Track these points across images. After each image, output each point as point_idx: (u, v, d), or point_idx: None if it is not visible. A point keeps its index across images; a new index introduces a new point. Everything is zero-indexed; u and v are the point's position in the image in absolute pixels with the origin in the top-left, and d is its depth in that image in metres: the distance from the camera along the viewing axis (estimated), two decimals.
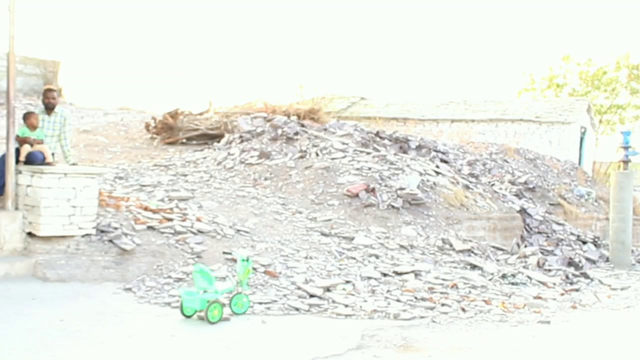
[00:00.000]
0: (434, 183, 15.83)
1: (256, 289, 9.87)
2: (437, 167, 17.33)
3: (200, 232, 11.55)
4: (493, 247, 14.63)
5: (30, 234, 10.51)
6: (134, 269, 10.36)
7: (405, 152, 18.39)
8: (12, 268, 10.07)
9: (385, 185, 14.91)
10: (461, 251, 13.19)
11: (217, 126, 20.93)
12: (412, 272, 11.22)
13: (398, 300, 9.92)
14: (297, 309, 9.26)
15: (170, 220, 11.72)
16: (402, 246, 12.66)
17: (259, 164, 16.38)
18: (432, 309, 9.65)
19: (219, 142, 19.40)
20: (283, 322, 8.74)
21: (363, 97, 33.68)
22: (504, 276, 12.06)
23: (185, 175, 15.79)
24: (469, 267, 12.38)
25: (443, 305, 9.85)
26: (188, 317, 8.58)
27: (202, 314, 8.45)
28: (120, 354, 7.26)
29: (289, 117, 20.14)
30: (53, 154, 11.28)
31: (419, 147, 19.04)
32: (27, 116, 11.24)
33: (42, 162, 10.87)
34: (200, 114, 22.22)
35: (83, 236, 10.63)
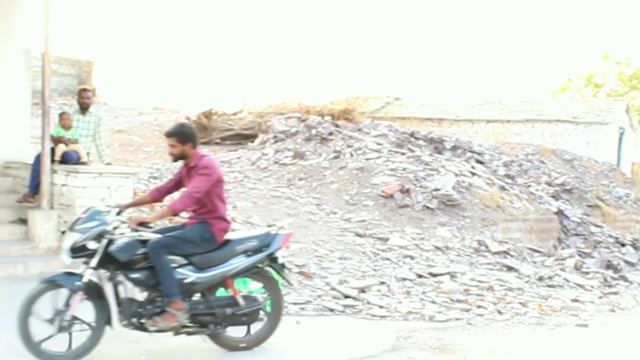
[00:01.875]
0: (470, 184, 15.70)
1: (290, 289, 9.83)
2: (473, 168, 17.20)
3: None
4: (529, 249, 14.47)
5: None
6: None
7: (440, 153, 18.29)
8: (47, 267, 10.11)
9: (420, 186, 14.81)
10: (497, 253, 13.07)
11: (251, 126, 20.95)
12: (448, 273, 11.13)
13: (433, 302, 9.85)
14: (331, 310, 9.22)
15: None
16: (437, 247, 12.56)
17: (293, 164, 16.34)
18: (467, 311, 9.56)
19: (252, 142, 19.41)
20: (317, 322, 8.70)
21: (397, 97, 33.56)
22: (540, 278, 11.92)
23: None
24: (505, 269, 12.25)
25: (479, 307, 9.75)
26: None
27: None
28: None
29: (323, 117, 20.08)
30: (88, 154, 11.31)
31: (454, 148, 18.93)
32: (61, 116, 11.31)
33: (77, 161, 10.91)
34: (234, 114, 22.26)
35: None
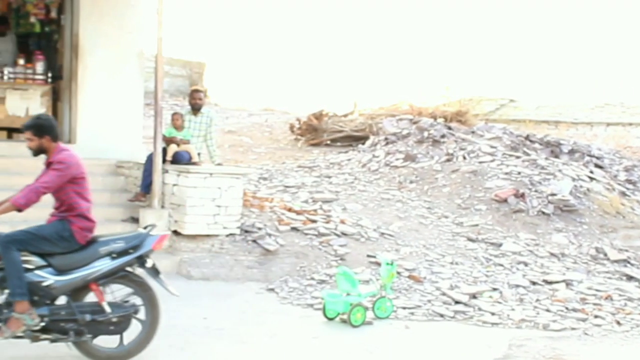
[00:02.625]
0: (588, 189, 15.19)
1: (400, 293, 9.68)
2: (591, 172, 16.65)
3: (344, 234, 11.45)
4: None
5: (175, 232, 10.68)
6: (277, 269, 10.36)
7: (556, 157, 17.76)
8: (157, 264, 10.22)
9: (536, 191, 14.42)
10: (616, 261, 12.56)
11: (361, 128, 20.86)
12: (563, 281, 10.75)
13: (548, 310, 9.51)
14: (441, 315, 9.03)
15: (314, 221, 11.67)
16: (552, 254, 12.19)
17: (404, 167, 16.18)
18: (584, 320, 9.17)
19: (363, 144, 19.30)
20: (427, 328, 8.54)
21: (512, 99, 32.90)
22: None
23: (330, 177, 15.77)
24: (624, 278, 11.75)
25: (596, 317, 9.34)
26: (330, 319, 8.49)
27: (345, 316, 8.33)
28: (262, 353, 7.28)
29: (435, 119, 19.81)
30: (199, 154, 11.42)
31: (571, 152, 18.35)
32: (174, 117, 11.45)
33: (189, 161, 11.03)
34: (345, 115, 22.21)
35: (227, 236, 10.72)
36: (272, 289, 9.78)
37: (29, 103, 12.97)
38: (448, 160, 16.14)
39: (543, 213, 13.71)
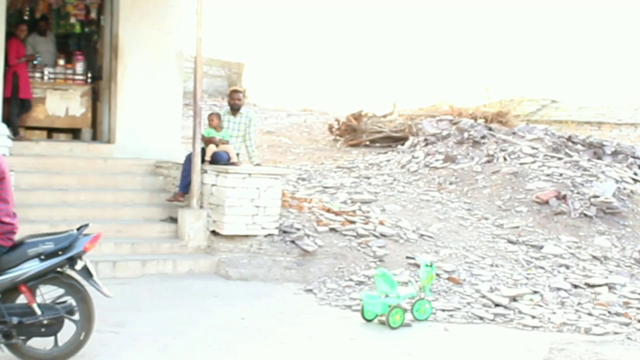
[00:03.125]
0: (632, 191, 14.96)
1: (439, 295, 9.61)
2: (635, 174, 16.41)
3: (382, 235, 11.38)
4: None
5: (214, 232, 10.69)
6: (315, 270, 10.33)
7: (599, 158, 17.53)
8: (195, 265, 10.28)
9: (578, 193, 14.23)
10: None
11: (401, 129, 20.74)
12: (606, 284, 10.58)
13: (589, 314, 9.36)
14: (481, 318, 8.93)
15: (352, 222, 11.61)
16: (594, 257, 12.02)
17: (444, 168, 16.06)
18: (627, 325, 9.01)
19: (403, 144, 19.19)
20: (466, 330, 8.45)
21: (554, 100, 32.58)
22: None
23: (368, 178, 15.71)
24: None
25: (639, 321, 9.19)
26: (369, 321, 8.44)
27: (383, 318, 8.28)
28: (300, 354, 7.27)
29: (475, 120, 19.65)
30: (238, 154, 11.42)
31: (615, 153, 18.10)
32: (209, 117, 11.46)
33: (227, 162, 11.03)
34: (384, 116, 22.11)
35: (265, 236, 10.71)
36: (310, 290, 9.76)
37: (68, 103, 13.10)
38: (488, 161, 15.99)
39: (585, 215, 13.52)
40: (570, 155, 16.62)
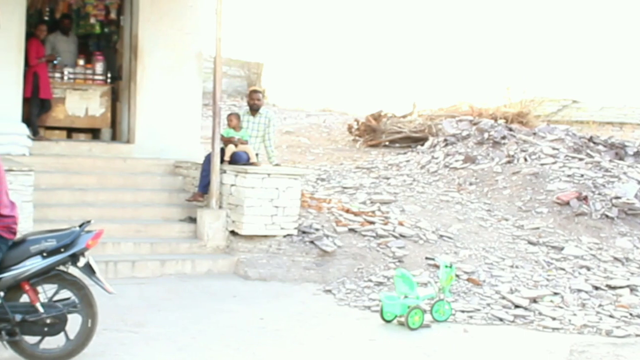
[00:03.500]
0: None
1: (458, 296, 9.56)
2: None
3: (402, 236, 11.34)
4: None
5: (232, 233, 10.69)
6: (334, 271, 10.30)
7: (621, 159, 17.40)
8: (214, 265, 10.28)
9: (599, 194, 14.13)
10: None
11: (420, 129, 20.67)
12: (627, 286, 10.49)
13: (611, 316, 9.30)
14: (500, 319, 8.89)
15: (372, 223, 11.57)
16: (616, 258, 11.92)
17: (464, 169, 16.00)
18: None
19: (422, 145, 19.14)
20: (486, 332, 8.41)
21: (575, 100, 32.38)
22: None
23: (388, 179, 15.67)
24: None
25: None
26: (388, 321, 8.42)
27: (403, 319, 8.24)
28: (318, 355, 7.26)
29: (496, 120, 19.56)
30: (257, 155, 11.41)
31: (637, 154, 17.96)
32: (229, 117, 11.45)
33: (247, 162, 11.02)
34: (404, 116, 22.06)
35: (284, 236, 10.70)
36: (329, 291, 9.74)
37: (88, 103, 13.15)
38: (509, 162, 15.91)
39: (607, 216, 13.43)
40: (591, 156, 16.51)
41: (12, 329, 6.20)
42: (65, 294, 6.48)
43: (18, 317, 6.19)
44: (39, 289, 6.37)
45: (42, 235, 6.37)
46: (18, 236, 6.34)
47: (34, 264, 6.20)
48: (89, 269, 6.43)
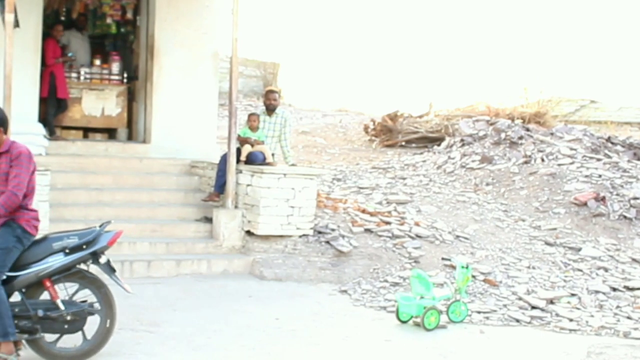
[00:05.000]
0: None
1: (475, 297, 9.52)
2: None
3: (418, 236, 11.30)
4: None
5: (248, 233, 10.69)
6: (350, 271, 10.28)
7: (639, 159, 17.31)
8: (230, 265, 10.28)
9: (617, 194, 14.04)
10: None
11: (437, 129, 20.61)
12: None
13: (629, 318, 9.22)
14: (517, 321, 8.84)
15: (388, 223, 11.54)
16: (634, 260, 11.84)
17: (481, 169, 15.94)
18: None
19: (439, 145, 19.09)
20: (502, 333, 8.37)
21: (593, 100, 32.22)
22: None
23: (404, 179, 15.63)
24: None
25: None
26: (403, 322, 8.39)
27: (418, 320, 8.21)
28: (334, 355, 7.24)
29: (513, 120, 19.47)
30: (273, 155, 11.40)
31: None
32: (248, 117, 11.46)
33: (263, 162, 11.02)
34: (420, 116, 22.00)
35: (300, 236, 10.69)
36: (344, 291, 9.72)
37: (104, 103, 13.20)
38: (526, 162, 15.84)
39: (625, 217, 13.34)
40: (609, 156, 16.41)
41: (32, 326, 6.21)
42: (85, 293, 6.50)
43: (40, 313, 6.20)
44: (60, 287, 6.38)
45: (64, 233, 6.41)
46: (38, 236, 6.35)
47: (57, 260, 6.22)
48: (109, 267, 6.46)
